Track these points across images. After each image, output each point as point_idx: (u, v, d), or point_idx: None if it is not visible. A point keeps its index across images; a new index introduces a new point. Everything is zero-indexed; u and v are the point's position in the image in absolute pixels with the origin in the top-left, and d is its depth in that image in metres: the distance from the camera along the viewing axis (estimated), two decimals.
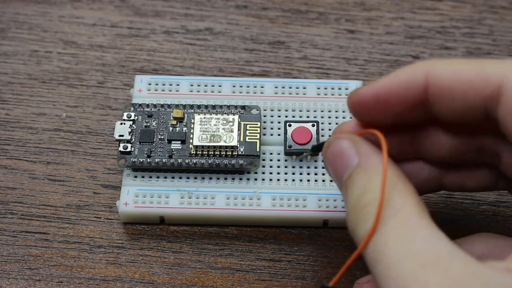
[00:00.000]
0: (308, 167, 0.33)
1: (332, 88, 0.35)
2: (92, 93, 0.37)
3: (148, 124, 0.33)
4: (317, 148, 0.32)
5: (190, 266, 0.32)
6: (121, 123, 0.33)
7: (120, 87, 0.37)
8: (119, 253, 0.32)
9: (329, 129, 0.34)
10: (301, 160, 0.33)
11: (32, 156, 0.35)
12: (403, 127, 0.26)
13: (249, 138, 0.33)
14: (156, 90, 0.35)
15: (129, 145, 0.33)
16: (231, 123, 0.33)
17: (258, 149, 0.33)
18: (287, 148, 0.33)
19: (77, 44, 0.38)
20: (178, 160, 0.32)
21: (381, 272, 0.21)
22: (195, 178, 0.33)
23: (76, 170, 0.34)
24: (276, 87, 0.35)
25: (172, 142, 0.33)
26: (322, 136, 0.33)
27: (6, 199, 0.33)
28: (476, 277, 0.19)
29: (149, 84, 0.35)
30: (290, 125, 0.33)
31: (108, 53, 0.38)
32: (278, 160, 0.33)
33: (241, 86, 0.35)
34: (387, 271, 0.21)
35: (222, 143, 0.32)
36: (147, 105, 0.34)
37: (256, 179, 0.33)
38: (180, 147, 0.33)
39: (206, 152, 0.32)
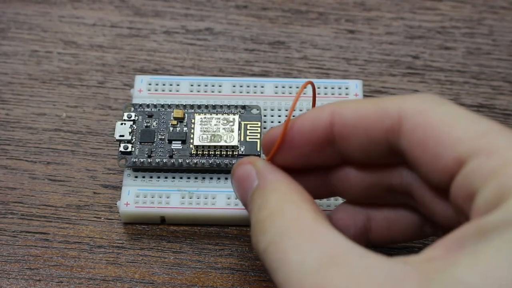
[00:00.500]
0: None
1: (332, 88, 0.35)
2: (92, 93, 0.37)
3: (149, 124, 0.33)
4: None
5: (190, 266, 0.32)
6: (122, 123, 0.33)
7: (120, 87, 0.37)
8: (119, 253, 0.32)
9: None
10: None
11: (32, 156, 0.35)
12: (315, 170, 0.26)
13: (249, 138, 0.33)
14: (156, 90, 0.35)
15: (129, 145, 0.33)
16: (231, 123, 0.33)
17: (258, 149, 0.33)
18: None
19: (77, 44, 0.38)
20: (179, 160, 0.32)
21: (283, 279, 0.21)
22: (196, 178, 0.33)
23: (76, 170, 0.34)
24: (276, 87, 0.35)
25: (173, 142, 0.33)
26: None
27: (6, 199, 0.33)
28: (370, 267, 0.20)
29: (149, 84, 0.35)
30: None
31: (108, 53, 0.38)
32: None
33: (241, 86, 0.35)
34: (288, 276, 0.21)
35: (222, 143, 0.32)
36: (148, 105, 0.34)
37: None
38: (181, 147, 0.33)
39: (206, 152, 0.32)
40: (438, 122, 0.22)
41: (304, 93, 0.35)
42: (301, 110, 0.34)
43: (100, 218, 0.33)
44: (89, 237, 0.32)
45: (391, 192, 0.26)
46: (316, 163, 0.26)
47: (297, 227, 0.22)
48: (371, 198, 0.27)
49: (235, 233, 0.33)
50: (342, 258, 0.21)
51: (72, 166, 0.34)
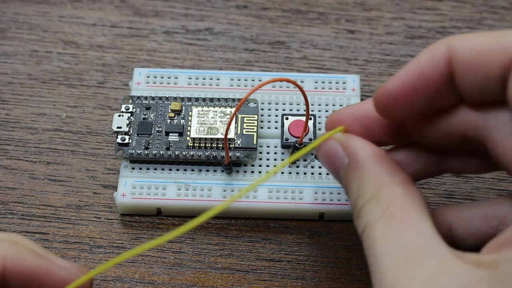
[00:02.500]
0: (305, 160, 0.33)
1: (330, 82, 0.35)
2: (92, 93, 0.37)
3: (146, 116, 0.34)
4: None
5: (190, 266, 0.32)
6: (119, 115, 0.33)
7: (120, 87, 0.37)
8: (119, 253, 0.32)
9: None
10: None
11: (32, 156, 0.35)
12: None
13: (246, 131, 0.33)
14: (154, 83, 0.35)
15: (127, 137, 0.33)
16: (228, 116, 0.33)
17: (255, 142, 0.33)
18: (284, 141, 0.33)
19: (77, 44, 0.38)
20: (176, 152, 0.32)
21: (371, 268, 0.22)
22: (192, 170, 0.33)
23: (76, 170, 0.34)
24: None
25: (170, 134, 0.33)
26: (319, 129, 0.34)
27: (6, 199, 0.33)
28: (447, 273, 0.20)
29: (148, 77, 0.35)
30: (287, 118, 0.33)
31: (108, 53, 0.38)
32: (275, 153, 0.33)
33: (239, 80, 0.36)
34: (375, 268, 0.21)
35: (219, 136, 0.32)
36: (145, 98, 0.34)
37: (252, 172, 0.33)
38: (178, 139, 0.33)
39: (203, 145, 0.33)
40: None
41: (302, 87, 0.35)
42: (298, 104, 0.35)
43: (100, 218, 0.33)
44: (89, 237, 0.32)
45: (465, 141, 0.25)
46: (433, 107, 0.24)
47: (389, 216, 0.22)
48: (446, 147, 0.26)
49: (235, 233, 0.33)
50: (424, 258, 0.21)
51: (72, 166, 0.34)
